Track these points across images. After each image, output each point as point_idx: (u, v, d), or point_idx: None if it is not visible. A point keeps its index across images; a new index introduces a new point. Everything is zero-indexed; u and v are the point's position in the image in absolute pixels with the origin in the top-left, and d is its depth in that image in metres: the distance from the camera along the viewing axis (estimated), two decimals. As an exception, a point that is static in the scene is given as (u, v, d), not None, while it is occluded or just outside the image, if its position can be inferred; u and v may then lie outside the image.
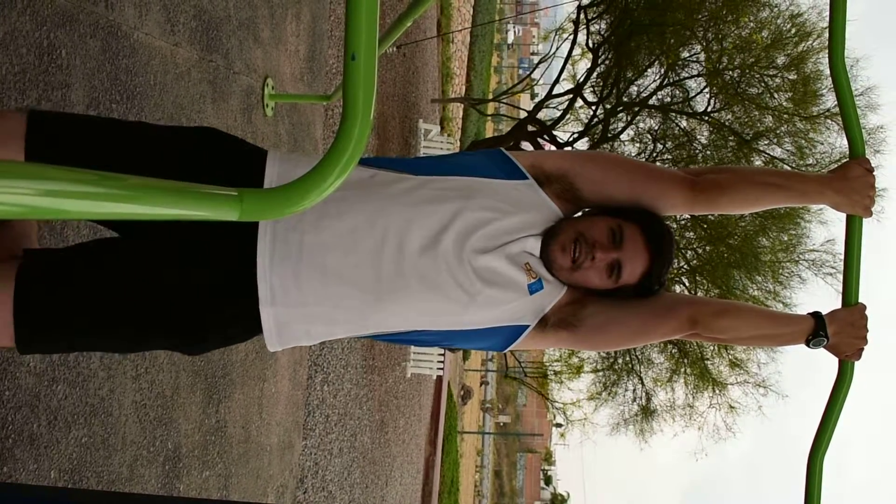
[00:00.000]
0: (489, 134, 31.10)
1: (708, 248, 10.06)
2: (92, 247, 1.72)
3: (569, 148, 11.14)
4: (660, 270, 1.78)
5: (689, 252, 10.19)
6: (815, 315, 1.84)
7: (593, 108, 10.94)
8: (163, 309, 1.65)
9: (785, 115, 9.48)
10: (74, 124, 1.71)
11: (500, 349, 1.86)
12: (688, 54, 10.14)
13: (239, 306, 1.69)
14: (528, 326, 1.81)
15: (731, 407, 10.52)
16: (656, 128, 10.57)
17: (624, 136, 10.86)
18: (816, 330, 1.81)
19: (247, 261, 1.67)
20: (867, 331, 1.86)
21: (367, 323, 1.76)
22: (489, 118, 25.29)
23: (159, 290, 1.65)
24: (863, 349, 1.86)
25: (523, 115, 12.34)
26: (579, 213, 1.87)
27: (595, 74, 10.81)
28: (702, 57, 10.04)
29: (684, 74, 10.24)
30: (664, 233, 1.79)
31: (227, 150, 1.78)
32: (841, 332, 1.83)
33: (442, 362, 12.51)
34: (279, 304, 1.69)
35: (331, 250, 1.68)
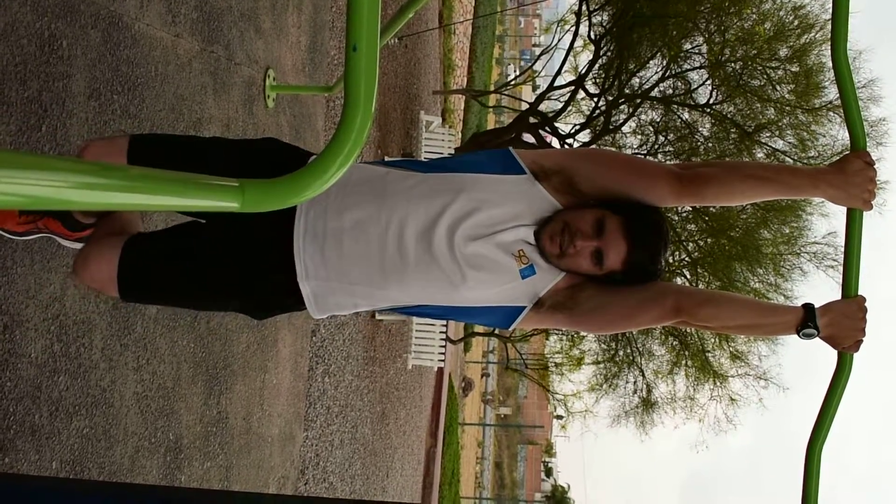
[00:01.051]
0: (491, 126, 31.07)
1: (709, 240, 10.05)
2: (179, 228, 2.13)
3: (570, 140, 11.14)
4: (642, 259, 1.90)
5: (691, 244, 10.19)
6: (807, 306, 1.87)
7: (595, 99, 10.92)
8: (230, 278, 2.03)
9: (787, 108, 9.46)
10: (165, 142, 2.18)
11: (504, 326, 2.07)
12: (690, 46, 10.11)
13: (285, 279, 2.00)
14: (524, 308, 2.00)
15: (732, 399, 10.54)
16: (658, 120, 10.56)
17: (626, 129, 10.85)
18: (806, 321, 1.84)
19: (289, 242, 1.99)
20: (865, 323, 1.86)
21: (378, 297, 2.03)
22: (491, 110, 25.25)
23: (227, 263, 2.02)
24: (861, 341, 1.86)
25: (525, 106, 12.33)
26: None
27: (597, 66, 10.79)
28: (704, 49, 10.01)
29: (686, 66, 10.21)
30: (648, 224, 1.91)
31: (282, 151, 2.12)
32: (835, 324, 1.85)
33: (443, 354, 12.51)
34: (312, 279, 2.00)
35: (346, 235, 1.96)
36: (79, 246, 2.38)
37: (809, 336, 1.85)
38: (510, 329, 2.09)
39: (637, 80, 10.61)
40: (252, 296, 2.06)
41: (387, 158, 8.82)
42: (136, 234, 2.12)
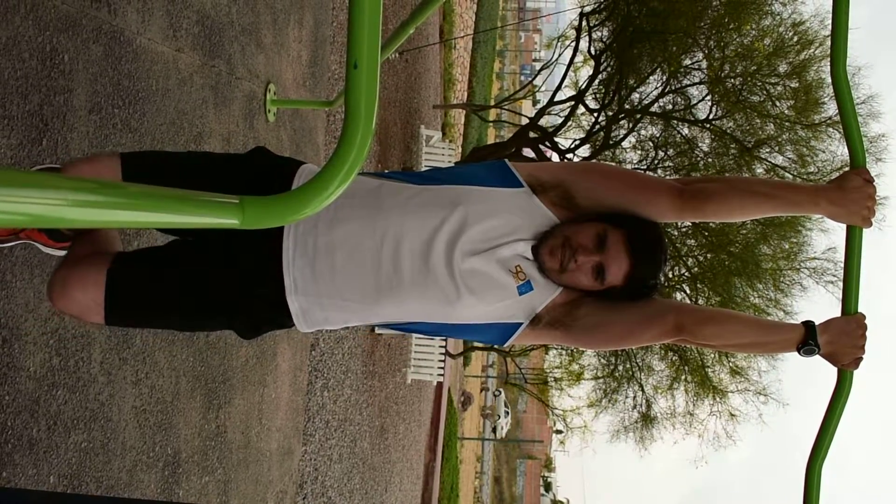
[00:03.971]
0: (491, 140, 31.10)
1: (709, 255, 10.05)
2: (165, 247, 2.08)
3: (570, 155, 11.16)
4: (643, 274, 1.88)
5: (691, 259, 10.19)
6: (807, 324, 1.86)
7: (595, 115, 10.95)
8: (217, 295, 1.97)
9: (786, 123, 9.47)
10: (158, 159, 2.11)
11: (500, 343, 2.03)
12: (690, 62, 10.14)
13: (273, 294, 1.96)
14: (521, 324, 1.97)
15: (732, 415, 10.50)
16: (658, 135, 10.57)
17: (625, 144, 10.86)
18: (806, 339, 1.83)
19: (277, 257, 1.94)
20: (865, 340, 1.86)
21: (371, 314, 1.98)
22: (491, 124, 25.31)
23: (214, 280, 1.97)
24: (861, 359, 1.86)
25: (525, 121, 12.36)
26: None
27: (597, 81, 10.82)
28: (704, 64, 10.04)
29: (686, 82, 10.24)
30: (650, 238, 1.88)
31: (270, 163, 2.07)
32: (836, 342, 1.85)
33: (442, 368, 12.48)
34: (301, 294, 1.95)
35: (338, 250, 1.91)
36: (58, 253, 2.35)
37: (810, 353, 1.84)
38: (506, 345, 2.05)
39: (637, 95, 10.64)
40: (242, 311, 2.00)
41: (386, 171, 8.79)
42: (118, 254, 2.04)
